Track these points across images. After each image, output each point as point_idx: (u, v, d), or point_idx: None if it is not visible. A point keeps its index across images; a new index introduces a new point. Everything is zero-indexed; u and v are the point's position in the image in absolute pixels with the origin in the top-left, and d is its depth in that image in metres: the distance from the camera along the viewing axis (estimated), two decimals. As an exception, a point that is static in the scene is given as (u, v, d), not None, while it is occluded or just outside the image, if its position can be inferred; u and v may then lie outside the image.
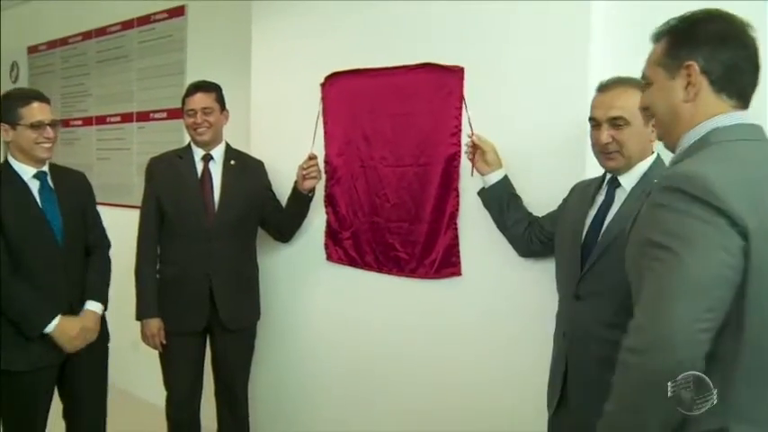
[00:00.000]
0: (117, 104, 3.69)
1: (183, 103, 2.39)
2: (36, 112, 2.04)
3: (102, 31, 3.80)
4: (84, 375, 2.15)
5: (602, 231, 1.55)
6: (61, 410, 2.21)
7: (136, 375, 3.09)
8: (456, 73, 2.02)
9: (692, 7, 1.56)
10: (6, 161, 2.09)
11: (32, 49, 4.45)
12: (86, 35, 3.92)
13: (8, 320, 1.97)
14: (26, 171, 2.06)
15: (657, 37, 1.19)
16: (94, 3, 3.82)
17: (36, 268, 2.01)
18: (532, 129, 1.89)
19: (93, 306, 2.13)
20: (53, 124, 2.08)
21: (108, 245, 2.29)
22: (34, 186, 2.07)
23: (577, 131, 1.76)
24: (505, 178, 1.89)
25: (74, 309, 2.09)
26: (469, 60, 2.02)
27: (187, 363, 2.37)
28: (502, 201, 1.87)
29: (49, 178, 2.11)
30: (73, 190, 2.17)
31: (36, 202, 2.05)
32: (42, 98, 2.09)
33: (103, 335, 2.21)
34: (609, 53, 1.78)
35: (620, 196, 1.57)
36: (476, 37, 2.00)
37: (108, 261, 2.27)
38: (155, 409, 2.63)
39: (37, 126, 2.03)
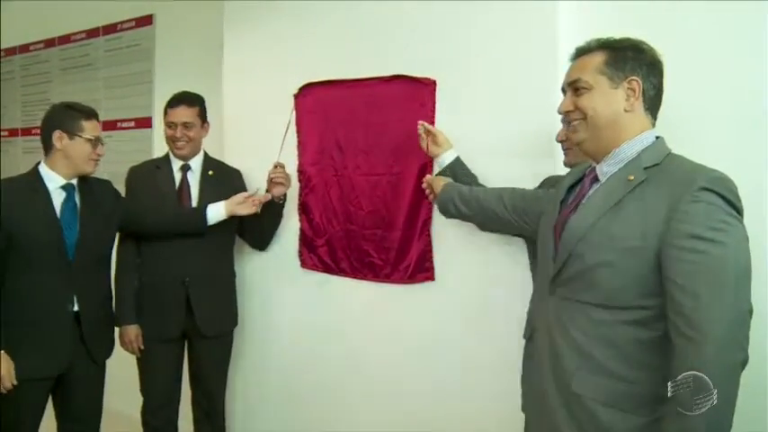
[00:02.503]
0: (82, 113, 3.64)
1: (165, 112, 2.40)
2: (96, 127, 2.12)
3: (65, 39, 3.75)
4: (81, 390, 2.15)
5: None
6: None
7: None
8: (428, 86, 2.10)
9: (659, 7, 1.66)
10: (36, 168, 2.10)
11: (-12, 56, 4.35)
12: (49, 42, 3.87)
13: (7, 326, 1.97)
14: (55, 181, 2.08)
15: (589, 49, 1.33)
16: (56, 10, 3.77)
17: (39, 276, 2.01)
18: (504, 135, 1.97)
19: None
20: (103, 142, 2.17)
21: None
22: (59, 197, 2.08)
23: (548, 136, 1.83)
24: (458, 159, 1.97)
25: (80, 319, 2.08)
26: (441, 68, 2.08)
27: (164, 369, 2.37)
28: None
29: (76, 191, 2.13)
30: (99, 203, 2.18)
31: (55, 213, 2.05)
32: (98, 117, 2.18)
33: (105, 352, 2.24)
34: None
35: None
36: (447, 46, 2.07)
37: None
38: (127, 419, 2.62)
39: (95, 142, 2.09)
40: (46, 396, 2.09)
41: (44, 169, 2.09)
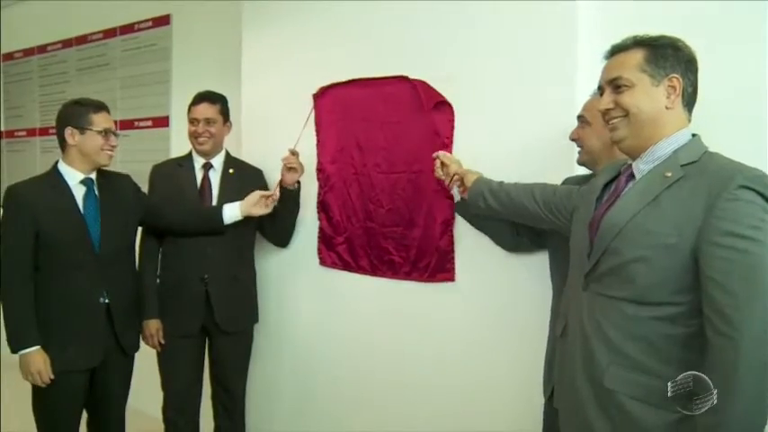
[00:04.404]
0: (99, 112, 3.67)
1: (189, 110, 2.43)
2: (106, 119, 2.15)
3: (82, 39, 3.79)
4: (113, 382, 2.19)
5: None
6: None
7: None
8: (448, 108, 2.11)
9: (676, 7, 1.68)
10: (55, 166, 2.14)
11: (7, 57, 4.40)
12: (66, 43, 3.90)
13: (43, 322, 2.01)
14: (74, 176, 2.12)
15: (626, 47, 1.33)
16: (74, 11, 3.81)
17: (69, 271, 2.05)
18: (523, 135, 1.97)
19: None
20: (116, 133, 2.19)
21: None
22: (79, 192, 2.12)
23: (568, 136, 1.82)
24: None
25: (111, 311, 2.12)
26: (459, 67, 2.09)
27: (185, 364, 2.40)
28: (485, 197, 1.86)
29: (95, 185, 2.16)
30: (119, 196, 2.22)
31: (77, 208, 2.09)
32: (108, 109, 2.20)
33: (134, 343, 2.28)
34: (597, 57, 1.86)
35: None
36: (466, 45, 2.08)
37: None
38: (146, 416, 2.65)
39: (105, 133, 2.12)
40: (85, 389, 2.13)
41: (63, 166, 2.13)
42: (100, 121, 2.12)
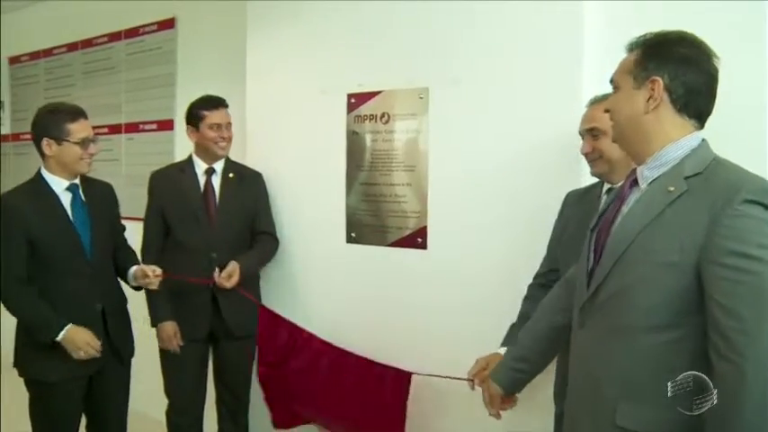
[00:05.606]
0: (104, 116, 3.66)
1: (201, 116, 2.38)
2: (83, 127, 2.07)
3: (88, 43, 3.80)
4: (111, 389, 2.18)
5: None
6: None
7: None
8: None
9: (684, 7, 1.66)
10: (39, 174, 2.10)
11: (13, 60, 4.42)
12: (72, 46, 3.92)
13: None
14: (59, 183, 2.08)
15: (631, 47, 1.25)
16: (79, 15, 3.82)
17: (64, 279, 2.04)
18: (527, 141, 1.97)
19: None
20: (94, 140, 2.12)
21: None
22: (66, 198, 2.09)
23: (573, 143, 1.81)
24: (506, 350, 1.74)
25: (105, 317, 2.11)
26: (462, 70, 2.09)
27: (192, 368, 2.40)
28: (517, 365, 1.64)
29: (80, 190, 2.13)
30: (102, 202, 2.20)
31: (67, 215, 2.07)
32: (85, 115, 2.12)
33: (129, 350, 2.26)
34: (603, 60, 1.82)
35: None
36: (469, 48, 2.07)
37: None
38: (147, 418, 2.65)
39: (84, 142, 2.06)
40: (83, 396, 2.12)
41: (46, 174, 2.09)
42: (77, 130, 2.05)
